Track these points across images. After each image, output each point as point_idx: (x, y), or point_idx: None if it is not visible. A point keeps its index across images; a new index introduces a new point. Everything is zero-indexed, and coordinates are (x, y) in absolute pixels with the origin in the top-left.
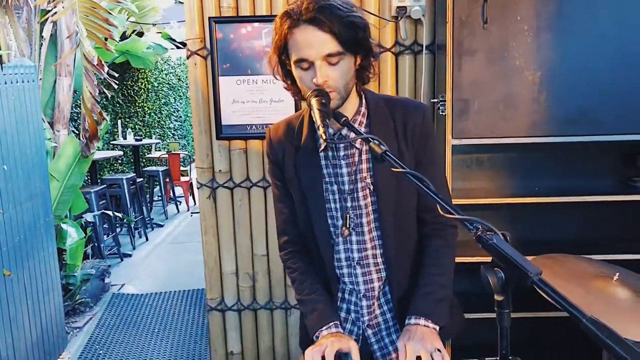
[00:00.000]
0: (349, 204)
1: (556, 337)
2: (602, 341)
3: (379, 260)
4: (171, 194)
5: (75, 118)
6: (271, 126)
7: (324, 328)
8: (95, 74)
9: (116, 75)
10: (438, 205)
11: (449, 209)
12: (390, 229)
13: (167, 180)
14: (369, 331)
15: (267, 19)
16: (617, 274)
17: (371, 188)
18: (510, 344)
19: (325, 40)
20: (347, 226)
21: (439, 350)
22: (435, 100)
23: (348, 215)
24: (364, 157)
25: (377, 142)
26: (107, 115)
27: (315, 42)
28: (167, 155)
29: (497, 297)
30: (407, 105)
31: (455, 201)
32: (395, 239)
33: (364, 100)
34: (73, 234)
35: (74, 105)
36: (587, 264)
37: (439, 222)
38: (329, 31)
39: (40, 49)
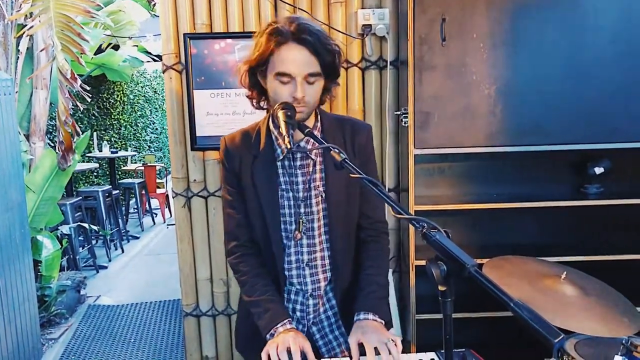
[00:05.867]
0: (302, 210)
1: (511, 334)
2: (526, 322)
3: (326, 262)
4: (147, 206)
5: (51, 130)
6: (226, 136)
7: (279, 325)
8: (68, 87)
9: (88, 88)
10: (390, 207)
11: (399, 210)
12: (338, 233)
13: (143, 192)
14: (314, 328)
15: (240, 35)
16: (565, 272)
17: (323, 196)
18: (470, 341)
19: (310, 60)
20: (300, 230)
21: (392, 340)
22: (399, 112)
23: (301, 221)
24: (317, 167)
25: (337, 151)
26: (82, 127)
27: (301, 60)
28: (143, 168)
29: (441, 288)
30: (354, 125)
31: (418, 207)
32: (341, 242)
33: (319, 118)
34: (49, 246)
35: (50, 117)
36: (538, 264)
37: (375, 229)
38: (314, 53)
39: (16, 62)
